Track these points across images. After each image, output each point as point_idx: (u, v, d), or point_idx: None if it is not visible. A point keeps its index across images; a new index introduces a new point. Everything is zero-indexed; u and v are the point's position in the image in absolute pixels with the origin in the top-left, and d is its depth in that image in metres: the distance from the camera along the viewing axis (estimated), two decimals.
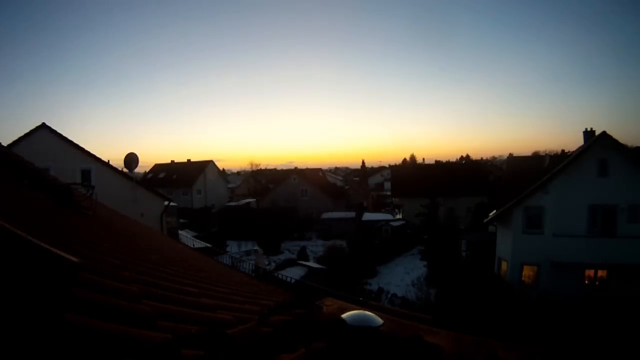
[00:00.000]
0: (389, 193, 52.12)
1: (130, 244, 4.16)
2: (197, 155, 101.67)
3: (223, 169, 67.33)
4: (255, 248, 27.23)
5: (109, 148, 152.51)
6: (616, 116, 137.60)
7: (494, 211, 20.08)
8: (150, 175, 52.41)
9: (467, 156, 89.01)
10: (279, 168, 79.98)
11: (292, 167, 61.57)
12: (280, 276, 20.51)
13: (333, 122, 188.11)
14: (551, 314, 14.16)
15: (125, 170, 16.94)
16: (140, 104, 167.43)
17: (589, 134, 18.48)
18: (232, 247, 27.82)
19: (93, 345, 1.07)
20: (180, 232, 24.60)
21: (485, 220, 20.59)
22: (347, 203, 47.45)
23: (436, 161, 59.88)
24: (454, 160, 79.79)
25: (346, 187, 59.27)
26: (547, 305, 15.06)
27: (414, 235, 31.21)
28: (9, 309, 1.00)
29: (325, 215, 39.02)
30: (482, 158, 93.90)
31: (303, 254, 26.68)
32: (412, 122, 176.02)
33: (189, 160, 53.51)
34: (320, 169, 66.50)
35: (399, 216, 39.44)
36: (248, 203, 47.67)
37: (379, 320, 1.57)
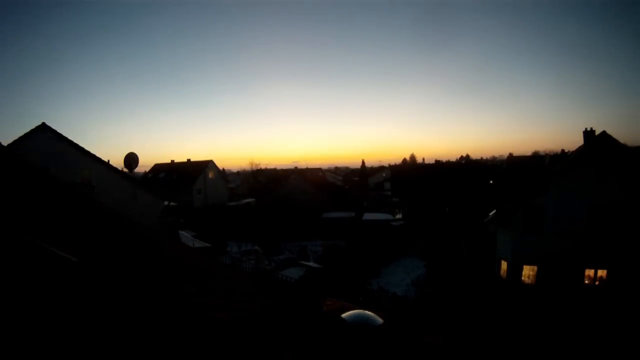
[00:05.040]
0: (389, 193, 52.06)
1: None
2: (197, 155, 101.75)
3: (223, 169, 67.24)
4: (255, 248, 27.22)
5: (109, 148, 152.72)
6: (616, 116, 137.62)
7: (494, 211, 20.09)
8: (150, 175, 52.40)
9: (467, 156, 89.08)
10: (279, 168, 79.98)
11: (292, 167, 61.60)
12: (280, 276, 20.53)
13: (333, 122, 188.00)
14: (550, 313, 14.17)
15: (125, 170, 16.95)
16: (141, 104, 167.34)
17: (589, 134, 18.46)
18: (232, 247, 27.79)
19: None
20: (180, 232, 24.57)
21: (485, 220, 20.59)
22: (347, 203, 47.41)
23: (436, 161, 59.75)
24: (454, 160, 79.81)
25: (346, 187, 59.24)
26: (546, 304, 15.07)
27: (413, 235, 31.19)
28: (14, 306, 1.01)
29: (325, 215, 38.98)
30: (482, 158, 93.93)
31: (303, 254, 26.67)
32: (412, 122, 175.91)
33: (189, 160, 53.46)
34: (320, 169, 66.51)
35: (399, 216, 39.41)
36: (248, 203, 47.62)
37: (379, 320, 1.58)
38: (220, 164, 57.06)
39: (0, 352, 0.80)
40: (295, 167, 59.63)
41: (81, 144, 16.25)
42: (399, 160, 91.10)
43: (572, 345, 11.57)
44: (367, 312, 1.71)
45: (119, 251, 2.63)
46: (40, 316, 0.97)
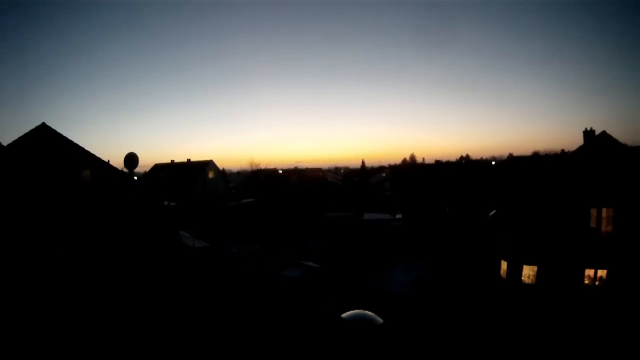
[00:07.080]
0: (389, 193, 52.03)
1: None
2: (197, 155, 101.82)
3: (223, 169, 67.26)
4: (255, 248, 27.22)
5: (109, 148, 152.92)
6: (616, 116, 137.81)
7: (494, 211, 20.10)
8: (150, 175, 52.41)
9: (467, 156, 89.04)
10: (279, 168, 79.98)
11: (293, 167, 61.60)
12: (280, 276, 20.54)
13: (333, 122, 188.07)
14: (550, 313, 14.17)
15: (125, 170, 16.94)
16: (141, 104, 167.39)
17: (589, 134, 18.45)
18: (232, 247, 27.79)
19: None
20: (180, 232, 24.57)
21: (485, 220, 20.59)
22: (347, 203, 47.43)
23: (436, 161, 59.71)
24: (454, 160, 79.76)
25: (346, 187, 59.25)
26: (546, 304, 15.08)
27: (413, 235, 31.20)
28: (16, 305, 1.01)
29: (325, 215, 39.00)
30: (482, 158, 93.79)
31: (303, 254, 26.66)
32: (412, 122, 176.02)
33: (189, 160, 53.45)
34: (320, 169, 66.54)
35: (399, 216, 39.41)
36: (248, 203, 47.64)
37: (379, 320, 1.57)
38: (220, 164, 57.09)
39: None
40: (296, 167, 59.73)
41: (81, 144, 16.22)
42: (399, 160, 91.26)
43: (572, 345, 11.56)
44: (367, 312, 1.71)
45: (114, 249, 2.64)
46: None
